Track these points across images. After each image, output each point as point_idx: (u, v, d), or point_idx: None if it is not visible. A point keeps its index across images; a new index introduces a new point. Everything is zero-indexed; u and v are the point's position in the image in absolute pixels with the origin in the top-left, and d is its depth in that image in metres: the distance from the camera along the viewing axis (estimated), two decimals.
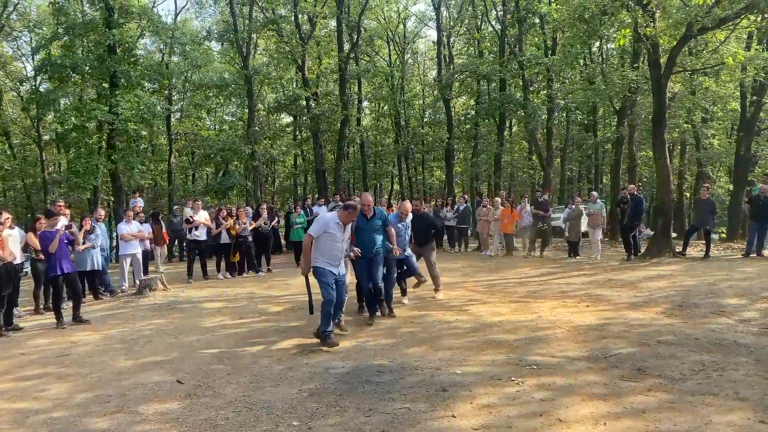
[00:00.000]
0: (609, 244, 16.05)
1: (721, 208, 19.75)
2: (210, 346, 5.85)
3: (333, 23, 25.38)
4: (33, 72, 24.78)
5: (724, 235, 18.45)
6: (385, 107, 31.84)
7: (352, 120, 26.02)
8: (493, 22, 24.89)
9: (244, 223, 11.62)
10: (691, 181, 25.03)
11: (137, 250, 10.56)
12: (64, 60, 17.73)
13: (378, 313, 6.68)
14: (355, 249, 6.16)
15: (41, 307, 8.71)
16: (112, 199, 19.90)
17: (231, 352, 5.58)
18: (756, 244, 11.05)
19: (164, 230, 13.02)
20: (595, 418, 3.58)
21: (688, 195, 25.05)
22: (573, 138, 27.74)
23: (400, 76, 29.23)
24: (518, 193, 25.03)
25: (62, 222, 8.11)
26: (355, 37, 24.39)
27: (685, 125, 20.61)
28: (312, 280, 5.61)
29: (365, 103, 32.94)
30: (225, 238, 11.61)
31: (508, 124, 27.28)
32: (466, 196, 17.39)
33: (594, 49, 21.93)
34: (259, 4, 22.61)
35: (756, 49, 16.03)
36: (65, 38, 18.82)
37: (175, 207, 16.62)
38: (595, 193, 13.98)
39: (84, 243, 9.12)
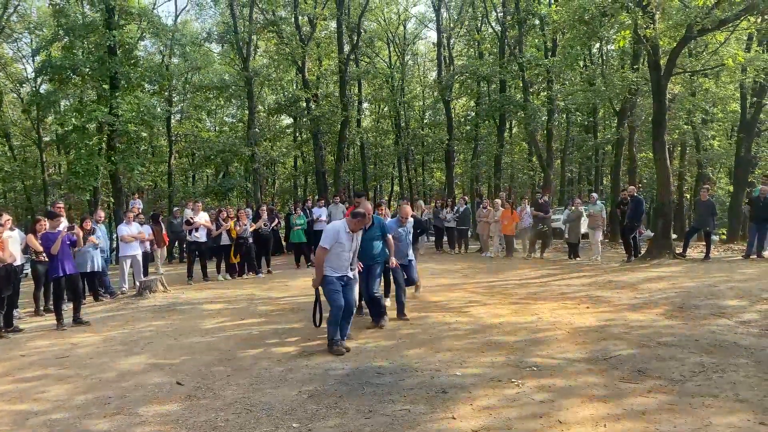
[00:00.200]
0: (609, 246, 16.05)
1: (721, 209, 19.75)
2: (210, 348, 5.84)
3: (333, 25, 25.39)
4: (33, 73, 24.83)
5: (724, 237, 18.45)
6: (385, 109, 31.88)
7: (352, 121, 26.05)
8: (493, 24, 24.93)
9: (245, 225, 11.62)
10: (692, 182, 25.04)
11: (137, 251, 10.56)
12: (65, 61, 17.73)
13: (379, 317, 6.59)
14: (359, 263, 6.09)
15: (41, 308, 8.71)
16: (112, 200, 19.89)
17: (231, 353, 5.58)
18: (756, 245, 11.05)
19: (164, 232, 13.03)
20: (595, 420, 3.58)
21: (688, 196, 25.06)
22: (573, 139, 27.75)
23: (400, 77, 29.27)
24: (518, 195, 25.05)
25: (63, 223, 8.12)
26: (355, 38, 24.40)
27: (686, 126, 20.63)
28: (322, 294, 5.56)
29: (365, 105, 32.99)
30: (225, 240, 11.61)
31: (508, 126, 27.32)
32: (466, 198, 17.40)
33: (594, 50, 21.96)
34: (260, 5, 22.62)
35: (756, 51, 16.05)
36: (65, 40, 18.83)
37: (176, 209, 16.62)
38: (595, 195, 13.97)
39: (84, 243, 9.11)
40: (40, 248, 7.77)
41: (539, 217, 13.52)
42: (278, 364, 5.10)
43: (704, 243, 11.94)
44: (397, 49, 31.69)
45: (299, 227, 13.05)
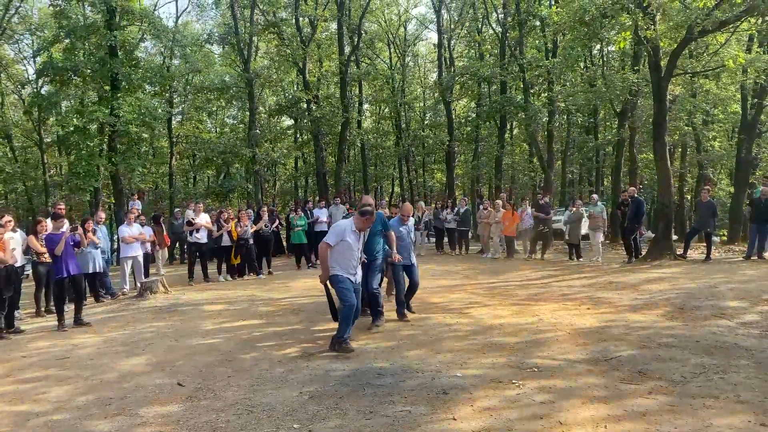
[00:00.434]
0: (610, 247, 16.05)
1: (722, 210, 19.77)
2: (211, 349, 5.85)
3: (334, 26, 25.42)
4: (34, 75, 24.87)
5: (725, 238, 18.43)
6: (386, 110, 31.90)
7: (353, 123, 26.04)
8: (494, 25, 24.97)
9: (245, 226, 11.63)
10: (692, 183, 25.02)
11: (138, 252, 10.58)
12: (66, 63, 17.77)
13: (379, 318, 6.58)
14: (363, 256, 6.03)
15: (42, 309, 8.73)
16: (113, 201, 19.91)
17: (232, 354, 5.58)
18: (757, 246, 11.04)
19: (165, 233, 13.05)
20: (595, 421, 3.58)
21: (689, 197, 25.04)
22: (574, 140, 27.76)
23: (401, 78, 29.28)
24: (519, 196, 25.07)
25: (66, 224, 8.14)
26: (356, 39, 24.43)
27: (686, 128, 20.62)
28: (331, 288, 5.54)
29: (366, 106, 33.00)
30: (226, 241, 11.62)
31: (508, 127, 27.33)
32: (467, 199, 17.39)
33: (594, 51, 21.96)
34: (260, 7, 22.66)
35: (756, 52, 16.05)
36: (66, 41, 18.87)
37: (176, 210, 16.64)
38: (595, 196, 13.96)
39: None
40: (41, 249, 7.80)
41: (540, 218, 13.52)
42: (279, 365, 5.10)
43: (705, 244, 11.93)
44: (397, 51, 31.72)
45: (300, 228, 13.06)
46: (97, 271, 9.46)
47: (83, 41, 18.44)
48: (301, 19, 22.84)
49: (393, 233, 6.56)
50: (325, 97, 25.43)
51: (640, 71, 16.75)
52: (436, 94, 29.11)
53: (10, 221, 7.65)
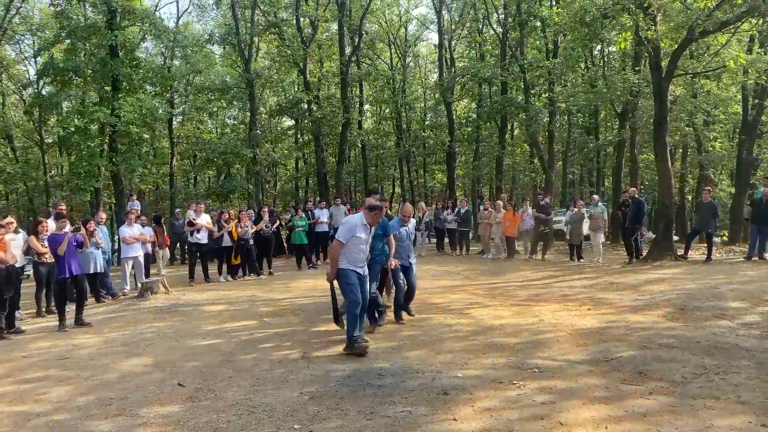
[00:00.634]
0: (610, 248, 16.04)
1: (722, 211, 19.74)
2: (211, 349, 5.85)
3: (334, 26, 25.44)
4: (35, 75, 24.90)
5: (725, 238, 18.42)
6: (387, 110, 31.90)
7: (354, 123, 26.05)
8: (495, 26, 24.98)
9: (246, 226, 11.64)
10: (693, 184, 25.01)
11: (139, 252, 10.59)
12: (67, 63, 17.79)
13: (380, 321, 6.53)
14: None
15: (43, 309, 8.73)
16: (114, 201, 19.93)
17: (232, 354, 5.58)
18: (758, 247, 11.03)
19: (166, 233, 13.05)
20: (596, 422, 3.57)
21: (689, 198, 25.04)
22: (574, 141, 27.75)
23: (402, 79, 29.29)
24: (520, 196, 25.05)
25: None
26: (357, 40, 24.44)
27: (687, 128, 20.62)
28: (337, 289, 5.49)
29: (367, 107, 33.00)
30: (227, 241, 11.63)
31: (509, 127, 27.33)
32: (468, 199, 17.38)
33: (595, 52, 21.97)
34: (261, 7, 22.68)
35: (757, 52, 16.05)
36: (67, 41, 18.89)
37: (177, 210, 16.65)
38: (596, 196, 13.97)
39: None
40: (42, 249, 7.80)
41: (541, 218, 13.52)
42: (279, 366, 5.10)
43: (706, 245, 11.92)
44: (398, 51, 31.74)
45: (300, 229, 13.06)
46: (98, 271, 9.47)
47: (84, 42, 18.46)
48: (301, 19, 22.86)
49: (392, 239, 6.45)
50: (325, 97, 25.46)
51: (640, 72, 16.75)
52: (436, 95, 29.11)
53: (11, 222, 7.66)
